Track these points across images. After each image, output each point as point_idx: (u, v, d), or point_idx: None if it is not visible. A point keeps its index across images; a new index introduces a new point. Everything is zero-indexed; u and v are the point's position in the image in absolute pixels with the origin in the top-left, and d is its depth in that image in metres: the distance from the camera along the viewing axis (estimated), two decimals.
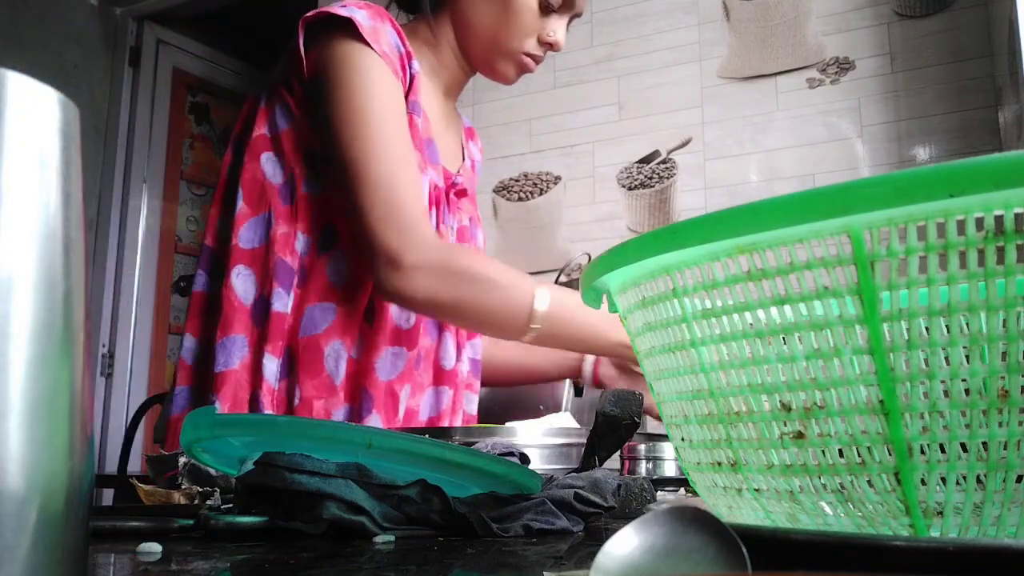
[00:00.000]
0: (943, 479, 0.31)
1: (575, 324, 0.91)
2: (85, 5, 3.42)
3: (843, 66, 2.13)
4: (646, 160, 2.33)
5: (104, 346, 3.33)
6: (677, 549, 0.27)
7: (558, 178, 2.44)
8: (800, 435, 0.33)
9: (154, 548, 0.43)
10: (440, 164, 1.00)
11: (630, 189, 2.33)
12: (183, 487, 0.63)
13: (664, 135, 2.32)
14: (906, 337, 0.30)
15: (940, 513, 0.31)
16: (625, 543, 0.27)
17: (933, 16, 2.06)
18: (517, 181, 2.49)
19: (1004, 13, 1.74)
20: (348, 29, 0.90)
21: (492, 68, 1.03)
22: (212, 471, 0.63)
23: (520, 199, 2.48)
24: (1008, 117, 1.84)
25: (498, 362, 1.21)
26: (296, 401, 0.90)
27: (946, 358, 0.30)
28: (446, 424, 0.99)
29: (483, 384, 1.20)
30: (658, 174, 2.30)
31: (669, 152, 2.30)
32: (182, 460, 0.64)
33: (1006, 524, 0.31)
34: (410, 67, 0.95)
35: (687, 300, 0.36)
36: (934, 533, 0.32)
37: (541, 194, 2.46)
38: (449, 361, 1.00)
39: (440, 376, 1.00)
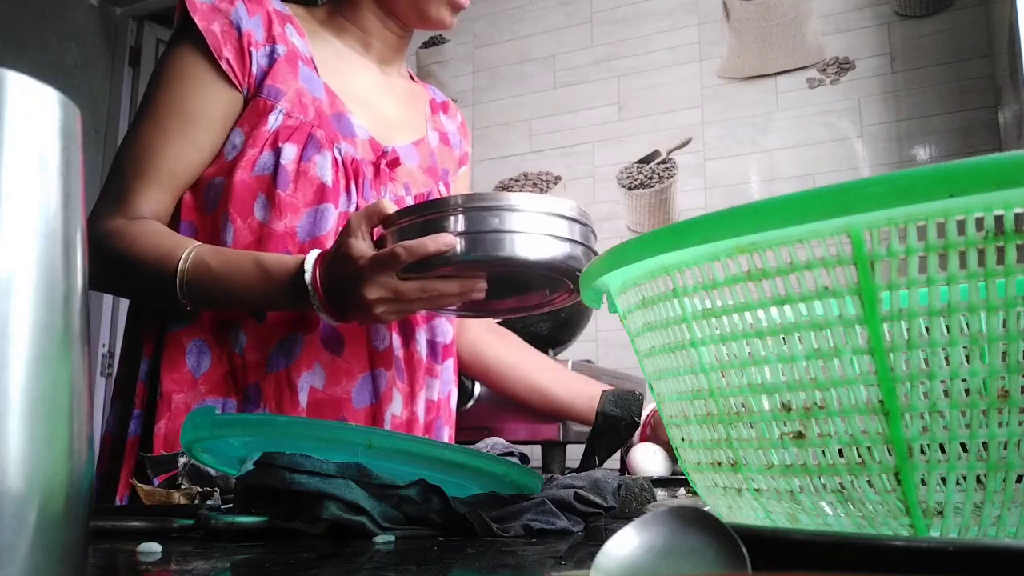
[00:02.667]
0: (943, 479, 0.31)
1: (220, 283, 0.82)
2: (85, 5, 3.42)
3: (843, 66, 2.13)
4: (646, 160, 2.33)
5: (104, 346, 3.33)
6: (677, 549, 0.26)
7: (558, 178, 2.44)
8: (800, 435, 0.33)
9: (154, 548, 0.43)
10: (359, 137, 0.95)
11: (630, 189, 2.33)
12: (183, 487, 0.63)
13: (664, 135, 2.31)
14: (906, 337, 0.30)
15: (940, 513, 0.31)
16: (625, 543, 0.27)
17: (933, 16, 2.06)
18: (517, 181, 2.49)
19: (1004, 13, 1.74)
20: (182, 8, 0.90)
21: (424, 16, 0.99)
22: (212, 471, 0.63)
23: None
24: (1008, 117, 1.84)
25: (520, 380, 1.16)
26: (157, 396, 0.88)
27: (946, 358, 0.30)
28: (389, 412, 0.92)
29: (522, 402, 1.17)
30: (658, 174, 2.30)
31: (669, 152, 2.30)
32: (182, 460, 0.64)
33: (1006, 524, 0.31)
34: (274, 50, 0.92)
35: (687, 300, 0.36)
36: (934, 533, 0.32)
37: (541, 194, 2.46)
38: (381, 342, 0.93)
39: (375, 359, 0.93)
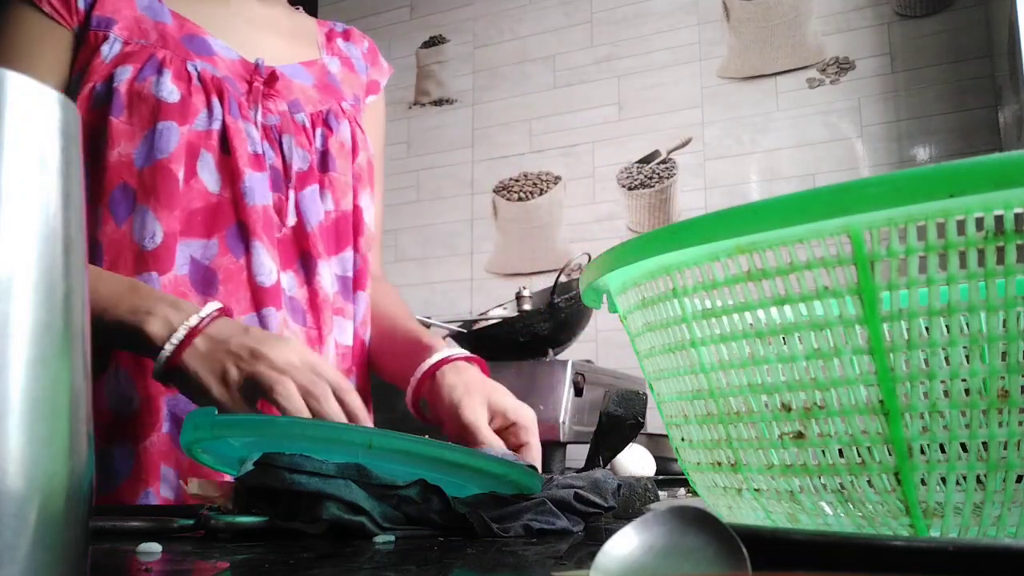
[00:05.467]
0: (943, 479, 0.31)
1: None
2: None
3: (843, 66, 2.13)
4: (646, 160, 2.33)
5: None
6: (677, 549, 0.26)
7: (558, 178, 2.44)
8: (800, 435, 0.33)
9: (154, 548, 0.43)
10: (221, 55, 0.89)
11: (630, 189, 2.33)
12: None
13: (664, 135, 2.32)
14: (906, 337, 0.31)
15: (940, 514, 0.31)
16: (625, 543, 0.27)
17: (933, 16, 2.06)
18: (517, 181, 2.49)
19: (1004, 13, 1.74)
20: None
21: None
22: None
23: (520, 199, 2.48)
24: (1008, 117, 1.84)
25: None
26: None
27: (946, 358, 0.30)
28: None
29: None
30: (658, 174, 2.30)
31: (669, 152, 2.30)
32: None
33: (1006, 524, 0.31)
34: None
35: (687, 300, 0.36)
36: (934, 533, 0.32)
37: (541, 194, 2.46)
38: (267, 277, 0.84)
39: (261, 297, 0.83)
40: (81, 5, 0.87)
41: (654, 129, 2.33)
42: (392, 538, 0.47)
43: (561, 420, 1.51)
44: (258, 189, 0.85)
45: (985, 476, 0.30)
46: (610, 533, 0.27)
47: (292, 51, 0.98)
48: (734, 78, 2.26)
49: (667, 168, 2.29)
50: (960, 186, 0.27)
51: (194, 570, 0.39)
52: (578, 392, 1.57)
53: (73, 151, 0.26)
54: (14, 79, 0.24)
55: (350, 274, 0.94)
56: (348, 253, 0.94)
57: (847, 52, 2.14)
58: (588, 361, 1.80)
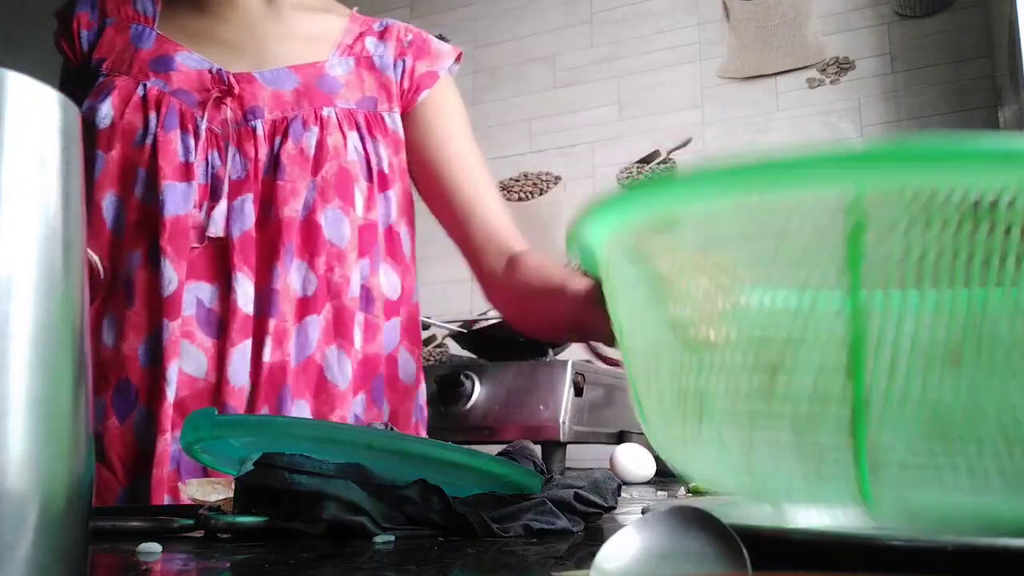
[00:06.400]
0: (895, 438, 0.32)
1: None
2: None
3: (843, 66, 2.13)
4: (646, 160, 2.33)
5: None
6: (677, 549, 0.27)
7: (558, 178, 2.44)
8: (767, 387, 0.34)
9: (154, 548, 0.43)
10: (182, 70, 0.89)
11: None
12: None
13: (664, 135, 2.31)
14: (882, 305, 0.31)
15: (887, 469, 0.32)
16: (625, 543, 0.27)
17: (933, 16, 2.06)
18: (517, 181, 2.49)
19: (1004, 13, 1.74)
20: None
21: None
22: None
23: (520, 199, 2.48)
24: (1008, 117, 1.84)
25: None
26: None
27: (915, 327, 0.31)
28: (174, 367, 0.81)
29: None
30: (658, 174, 2.30)
31: (669, 152, 2.30)
32: None
33: (948, 483, 0.31)
34: (103, 24, 0.94)
35: (673, 256, 0.37)
36: (877, 488, 0.32)
37: (541, 194, 2.46)
38: (167, 288, 0.82)
39: (162, 308, 0.82)
40: (84, 45, 0.92)
41: (654, 129, 2.33)
42: (392, 538, 0.47)
43: (561, 420, 1.51)
44: (174, 200, 0.85)
45: (932, 437, 0.31)
46: (610, 533, 0.27)
47: (298, 54, 0.95)
48: (734, 78, 2.26)
49: (667, 168, 2.29)
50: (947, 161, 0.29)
51: (194, 570, 0.39)
52: (578, 392, 1.57)
53: (73, 151, 0.26)
54: (14, 79, 0.24)
55: (298, 292, 0.86)
56: (294, 268, 0.86)
57: (847, 52, 2.14)
58: (588, 361, 1.80)
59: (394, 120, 0.96)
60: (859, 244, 0.31)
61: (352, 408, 0.89)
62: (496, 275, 0.91)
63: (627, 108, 2.38)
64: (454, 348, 2.19)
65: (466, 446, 0.51)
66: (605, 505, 0.54)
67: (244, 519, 0.49)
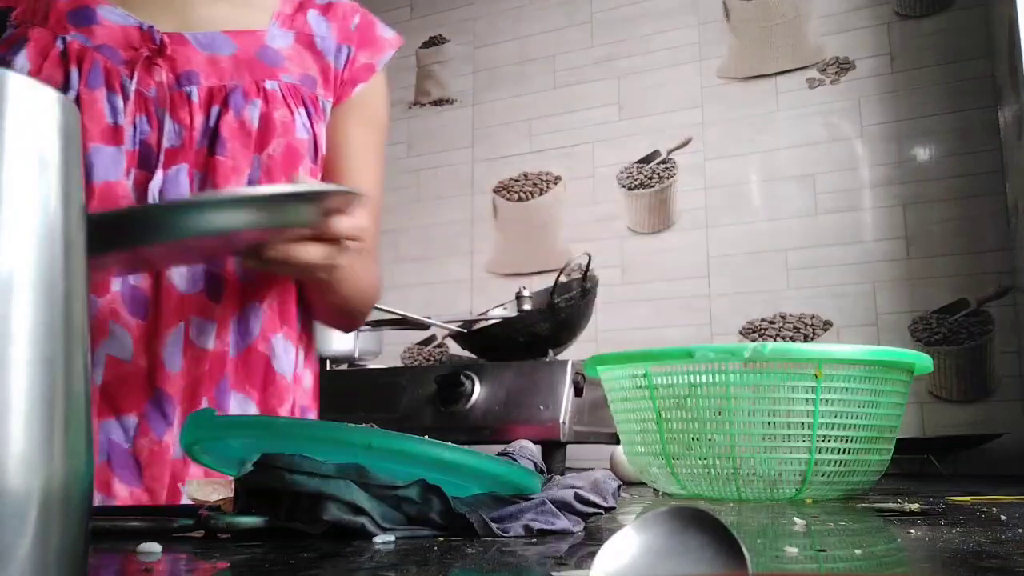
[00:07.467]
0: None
1: None
2: None
3: (843, 66, 2.13)
4: (646, 160, 2.33)
5: None
6: (677, 549, 0.27)
7: (558, 178, 2.44)
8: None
9: (154, 548, 0.43)
10: (104, 24, 0.83)
11: (630, 189, 2.33)
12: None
13: (664, 135, 2.31)
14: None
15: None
16: (625, 543, 0.27)
17: (933, 16, 2.06)
18: (517, 181, 2.49)
19: (1004, 13, 1.74)
20: None
21: None
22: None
23: (520, 199, 2.48)
24: (1008, 117, 1.84)
25: None
26: None
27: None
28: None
29: None
30: (658, 174, 2.30)
31: (669, 152, 2.30)
32: None
33: (713, 487, 0.82)
34: None
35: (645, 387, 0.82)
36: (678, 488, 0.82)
37: (541, 194, 2.45)
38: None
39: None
40: None
41: (654, 129, 2.33)
42: (392, 538, 0.47)
43: (561, 420, 1.51)
44: (102, 164, 0.79)
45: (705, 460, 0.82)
46: (610, 533, 0.27)
47: (229, 19, 0.89)
48: (734, 78, 2.26)
49: (667, 168, 2.29)
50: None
51: (194, 570, 0.39)
52: (578, 392, 1.57)
53: (73, 151, 0.26)
54: (14, 79, 0.24)
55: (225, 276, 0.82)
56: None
57: (847, 52, 2.14)
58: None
59: (327, 108, 0.92)
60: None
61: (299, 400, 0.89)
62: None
63: (627, 108, 2.38)
64: (454, 348, 2.19)
65: (466, 446, 0.51)
66: (605, 505, 0.54)
67: (244, 519, 0.49)
